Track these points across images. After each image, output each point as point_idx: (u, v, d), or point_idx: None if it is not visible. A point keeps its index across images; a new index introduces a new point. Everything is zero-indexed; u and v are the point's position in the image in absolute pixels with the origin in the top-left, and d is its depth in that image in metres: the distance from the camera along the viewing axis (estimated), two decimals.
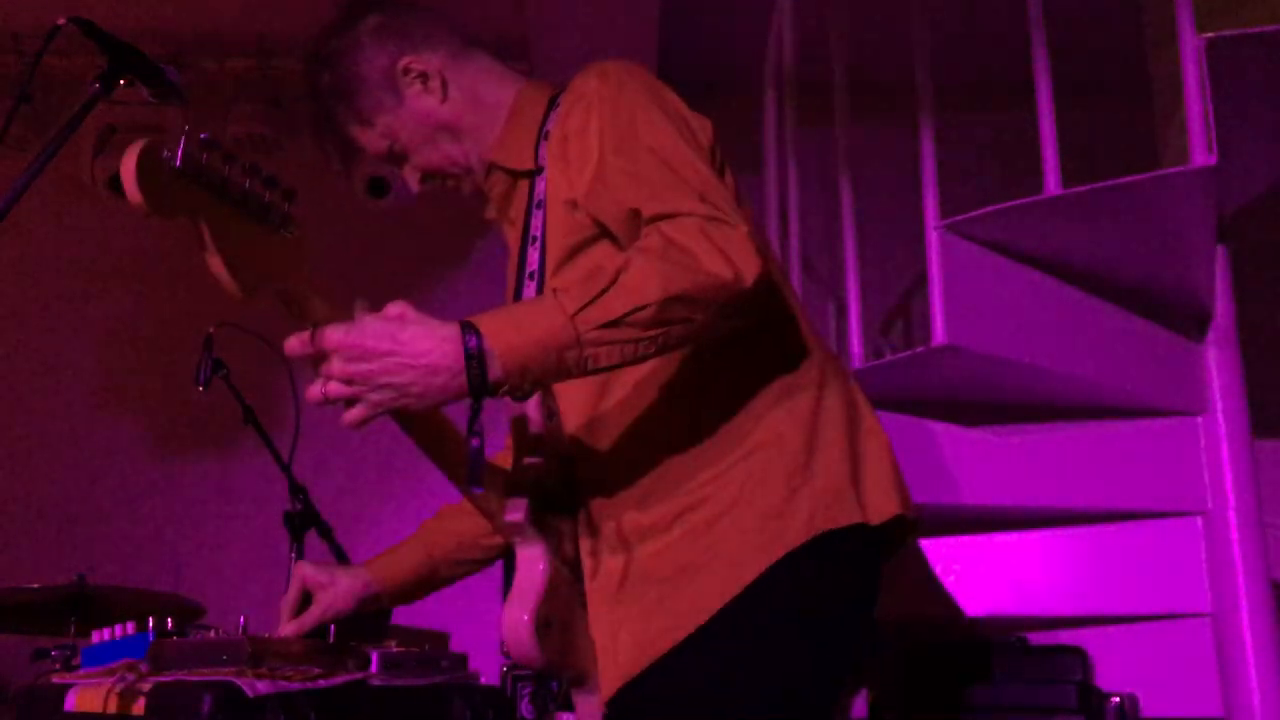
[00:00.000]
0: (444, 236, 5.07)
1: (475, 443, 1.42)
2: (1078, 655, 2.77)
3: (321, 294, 1.44)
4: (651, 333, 1.39)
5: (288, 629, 1.88)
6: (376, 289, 4.86)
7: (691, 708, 1.52)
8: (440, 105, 1.76)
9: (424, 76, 1.76)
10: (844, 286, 2.99)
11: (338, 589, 1.91)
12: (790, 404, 1.58)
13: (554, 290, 1.39)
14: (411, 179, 1.82)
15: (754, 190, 4.02)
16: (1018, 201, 2.62)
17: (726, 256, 1.41)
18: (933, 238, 2.66)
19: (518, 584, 1.67)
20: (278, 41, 4.86)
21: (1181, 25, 2.57)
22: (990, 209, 2.62)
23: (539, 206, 1.73)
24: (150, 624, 1.87)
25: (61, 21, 1.76)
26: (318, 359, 1.36)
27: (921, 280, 2.66)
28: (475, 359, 1.34)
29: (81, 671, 1.90)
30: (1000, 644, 2.85)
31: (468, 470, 1.43)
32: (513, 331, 1.36)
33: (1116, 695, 2.77)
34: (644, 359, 1.42)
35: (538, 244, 1.72)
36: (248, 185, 1.34)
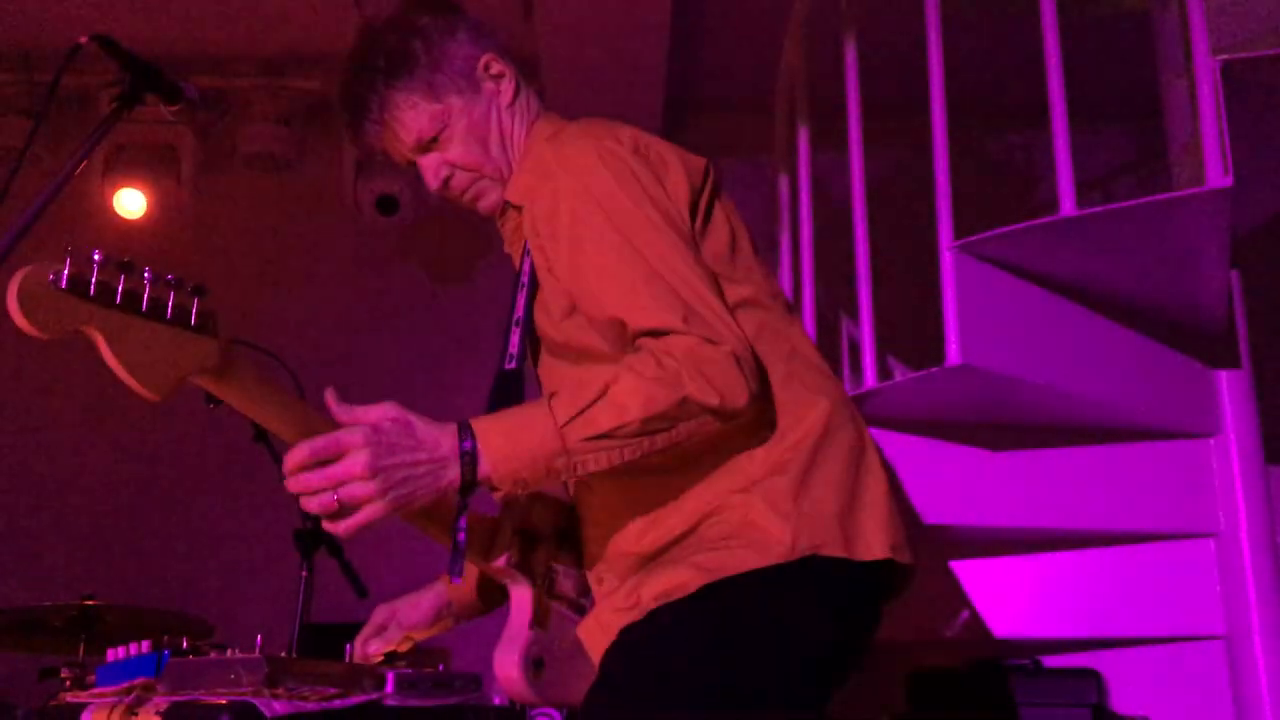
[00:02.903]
0: (449, 255, 5.08)
1: (461, 537, 1.52)
2: (1092, 677, 2.76)
3: (247, 375, 1.48)
4: (636, 440, 1.49)
5: (372, 646, 1.95)
6: (381, 304, 4.86)
7: (622, 681, 1.55)
8: (505, 109, 1.80)
9: (500, 76, 1.80)
10: (857, 306, 2.98)
11: (419, 607, 1.97)
12: (793, 439, 1.60)
13: (548, 398, 1.49)
14: (434, 172, 1.79)
15: (766, 208, 4.02)
16: (1032, 222, 2.61)
17: (713, 385, 1.48)
18: (947, 258, 2.65)
19: (509, 625, 1.71)
20: (288, 61, 4.88)
21: (1196, 47, 2.57)
22: (1005, 229, 2.62)
23: (527, 254, 1.76)
24: (165, 643, 1.87)
25: (83, 40, 1.76)
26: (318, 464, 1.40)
27: (935, 300, 2.65)
28: (469, 456, 1.45)
29: (96, 690, 1.89)
30: (1014, 666, 2.84)
31: (450, 561, 1.53)
32: (503, 438, 1.46)
33: (1130, 718, 2.76)
34: (632, 461, 1.50)
35: (525, 291, 1.76)
36: (147, 292, 1.37)
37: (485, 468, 1.45)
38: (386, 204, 4.89)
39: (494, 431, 1.46)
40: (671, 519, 1.61)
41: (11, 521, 4.71)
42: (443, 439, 1.44)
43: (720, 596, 1.52)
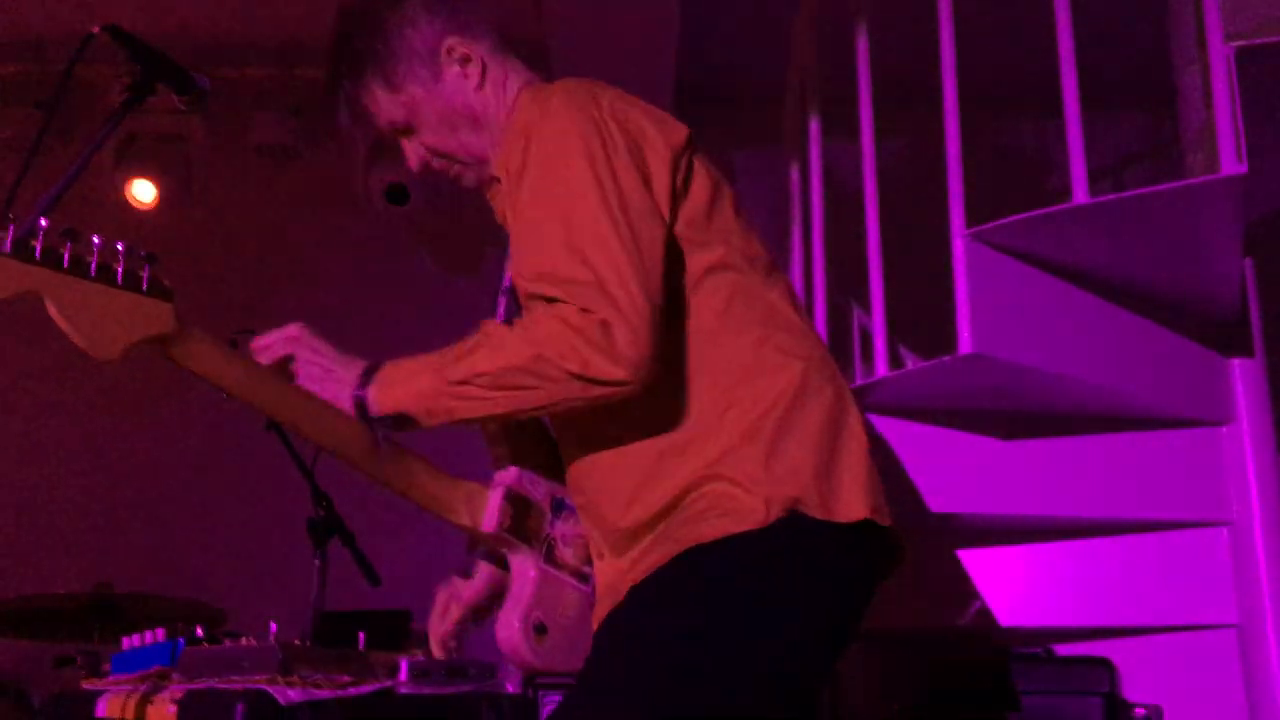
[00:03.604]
0: (459, 243, 5.08)
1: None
2: (1104, 666, 2.75)
3: (202, 338, 1.56)
4: (495, 393, 1.56)
5: (437, 629, 1.93)
6: (390, 294, 4.86)
7: (603, 656, 1.56)
8: (474, 92, 1.78)
9: (465, 60, 1.78)
10: (868, 294, 2.97)
11: (473, 585, 1.93)
12: (765, 404, 1.59)
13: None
14: (414, 155, 1.81)
15: (777, 197, 4.01)
16: (1045, 210, 2.60)
17: (573, 350, 1.50)
18: (959, 245, 2.64)
19: (511, 591, 1.74)
20: (300, 50, 4.88)
21: (1210, 34, 2.56)
22: (1017, 217, 2.61)
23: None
24: (180, 631, 1.88)
25: (95, 30, 1.76)
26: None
27: (948, 289, 2.64)
28: (366, 377, 1.64)
29: (112, 678, 1.91)
30: (1026, 655, 2.84)
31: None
32: (395, 370, 1.63)
33: (1142, 707, 2.76)
34: (505, 416, 1.61)
35: (510, 259, 1.78)
36: (96, 259, 1.42)
37: (372, 392, 1.62)
38: (396, 193, 4.88)
39: (394, 365, 1.63)
40: (653, 494, 1.60)
41: (26, 510, 4.73)
42: (353, 364, 1.65)
43: (696, 564, 1.53)
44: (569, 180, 1.57)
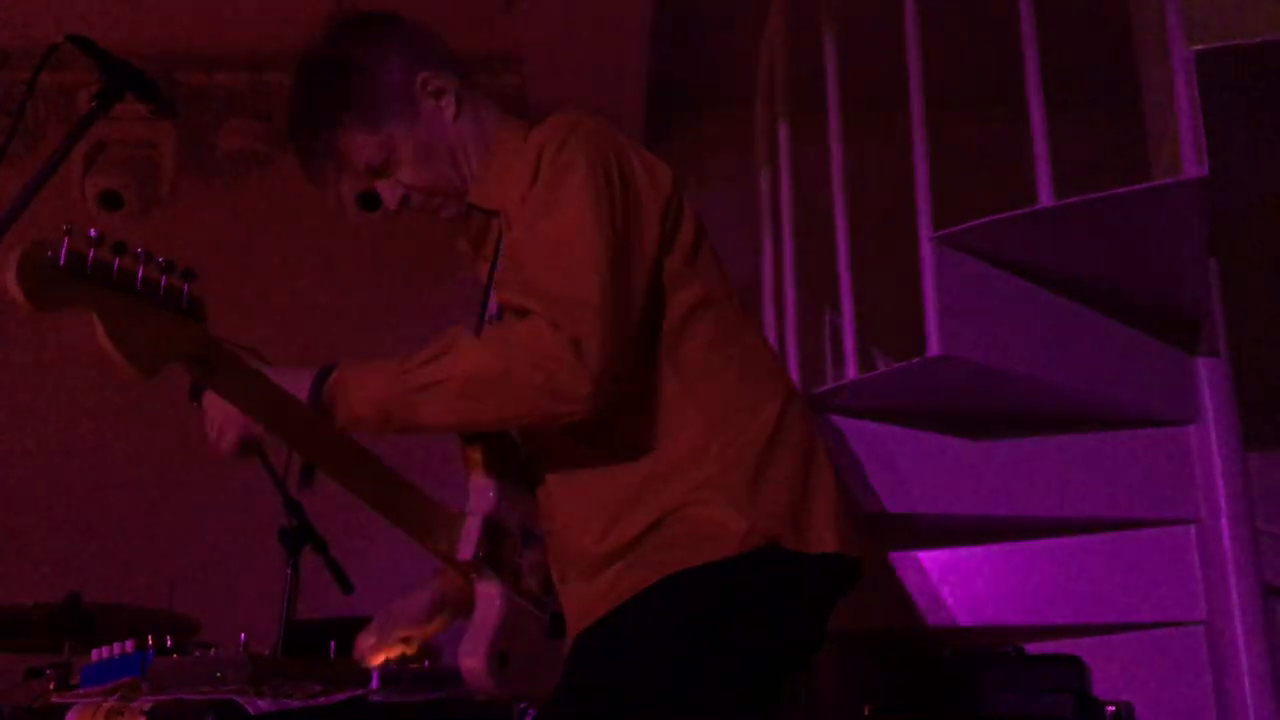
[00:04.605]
0: (433, 249, 5.07)
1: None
2: (1074, 664, 2.77)
3: (233, 362, 1.58)
4: (459, 403, 1.55)
5: (368, 647, 1.95)
6: (362, 301, 4.83)
7: (577, 679, 1.60)
8: (450, 124, 1.79)
9: (439, 93, 1.79)
10: (838, 297, 2.99)
11: (412, 603, 1.98)
12: (748, 437, 1.65)
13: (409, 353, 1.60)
14: (392, 195, 1.82)
15: (746, 202, 4.02)
16: (1011, 213, 2.63)
17: (541, 366, 1.50)
18: (926, 249, 2.67)
19: (475, 620, 1.76)
20: (269, 56, 4.86)
21: (1172, 37, 2.59)
22: (984, 220, 2.63)
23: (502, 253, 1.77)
24: (150, 642, 1.87)
25: (60, 40, 1.75)
26: None
27: (915, 290, 2.67)
28: (321, 376, 1.63)
29: (81, 690, 1.90)
30: (996, 654, 2.86)
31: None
32: (352, 372, 1.63)
33: (1112, 704, 2.78)
34: (463, 426, 1.63)
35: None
36: (141, 273, 1.41)
37: (326, 396, 1.61)
38: (368, 199, 4.87)
39: (347, 372, 1.62)
40: (632, 520, 1.64)
41: None
42: (301, 375, 1.64)
43: (676, 589, 1.57)
44: (574, 206, 1.59)
